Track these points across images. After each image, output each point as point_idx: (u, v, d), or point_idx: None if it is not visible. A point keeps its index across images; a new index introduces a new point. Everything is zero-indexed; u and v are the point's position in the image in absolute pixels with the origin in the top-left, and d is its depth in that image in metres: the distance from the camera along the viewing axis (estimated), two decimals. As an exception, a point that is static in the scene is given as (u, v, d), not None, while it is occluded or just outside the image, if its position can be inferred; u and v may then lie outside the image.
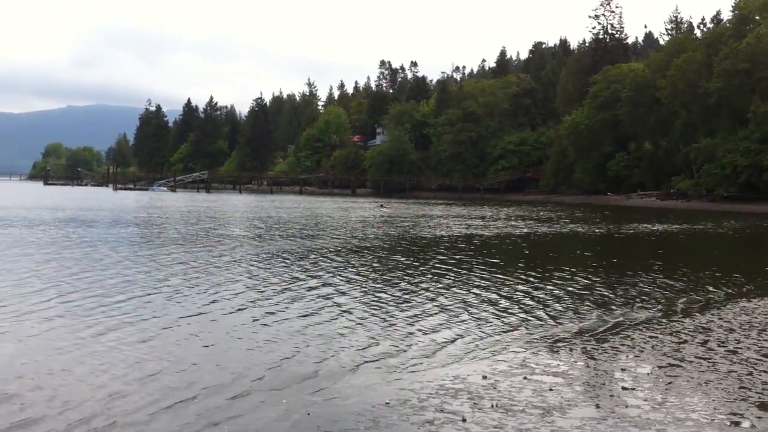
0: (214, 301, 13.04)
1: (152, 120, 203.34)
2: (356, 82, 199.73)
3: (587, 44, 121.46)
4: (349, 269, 18.40)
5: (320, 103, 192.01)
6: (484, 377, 8.25)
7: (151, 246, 23.12)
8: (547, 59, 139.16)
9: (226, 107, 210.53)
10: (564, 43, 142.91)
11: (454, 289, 15.31)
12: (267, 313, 12.13)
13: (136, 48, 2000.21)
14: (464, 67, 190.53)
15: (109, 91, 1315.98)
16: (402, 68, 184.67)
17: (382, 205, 37.03)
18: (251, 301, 13.11)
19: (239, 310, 12.30)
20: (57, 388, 7.60)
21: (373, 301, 13.72)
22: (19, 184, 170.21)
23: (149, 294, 13.54)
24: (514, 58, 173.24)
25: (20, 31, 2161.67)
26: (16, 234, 26.43)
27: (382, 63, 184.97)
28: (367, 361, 8.97)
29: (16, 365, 8.48)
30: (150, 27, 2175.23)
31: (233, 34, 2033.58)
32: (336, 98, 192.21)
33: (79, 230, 29.18)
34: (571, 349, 9.89)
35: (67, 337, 9.91)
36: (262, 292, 14.31)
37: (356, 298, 14.03)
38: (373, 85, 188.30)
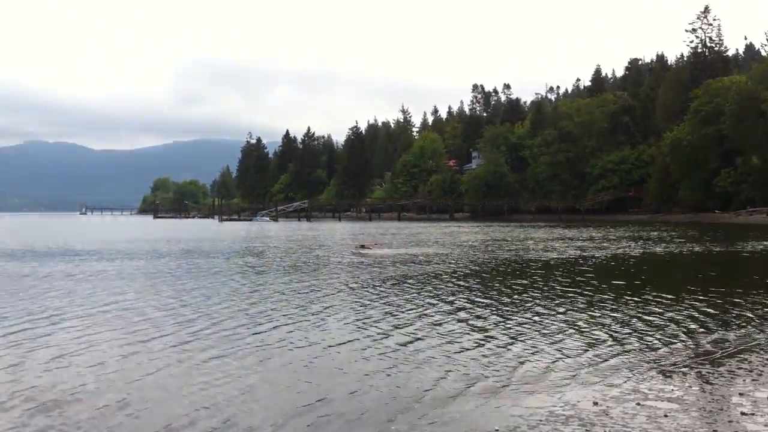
0: (323, 329, 13.29)
1: (253, 152, 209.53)
2: (450, 107, 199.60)
3: (685, 58, 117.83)
4: (458, 293, 18.41)
5: (415, 129, 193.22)
6: (595, 403, 8.09)
7: (270, 275, 23.87)
8: (644, 75, 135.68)
9: (323, 137, 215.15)
10: (661, 58, 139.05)
11: (563, 311, 15.11)
12: (375, 338, 12.29)
13: (237, 83, 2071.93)
14: (558, 87, 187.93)
15: (212, 125, 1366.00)
16: (495, 91, 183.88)
17: (362, 245, 35.21)
18: (359, 327, 13.30)
19: (347, 336, 12.50)
20: (177, 408, 7.96)
21: (479, 324, 13.68)
22: (131, 219, 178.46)
23: (270, 321, 14.00)
24: (609, 75, 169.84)
25: (128, 72, 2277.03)
26: (146, 265, 27.95)
27: (475, 87, 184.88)
28: (474, 386, 8.93)
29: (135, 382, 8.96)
30: (249, 63, 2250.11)
31: (329, 66, 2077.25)
32: (430, 124, 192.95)
33: (200, 261, 30.53)
34: (685, 374, 9.56)
35: (195, 361, 10.35)
36: (370, 317, 14.53)
37: (463, 321, 14.02)
38: (466, 109, 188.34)
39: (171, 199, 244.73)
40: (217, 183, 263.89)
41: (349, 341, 12.01)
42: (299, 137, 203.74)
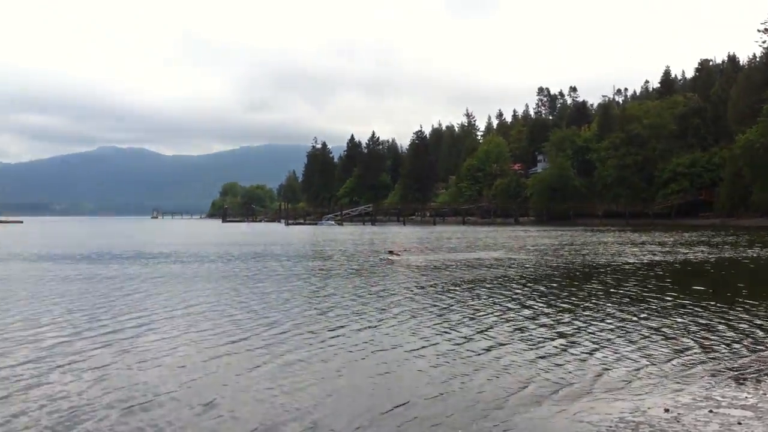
0: (402, 332, 13.51)
1: (319, 157, 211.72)
2: (515, 111, 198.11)
3: (758, 59, 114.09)
4: (535, 298, 18.54)
5: (479, 133, 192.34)
6: (666, 410, 8.11)
7: (343, 278, 24.31)
8: (715, 76, 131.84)
9: (388, 141, 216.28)
10: (732, 58, 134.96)
11: (634, 316, 15.06)
12: (455, 342, 12.44)
13: (303, 89, 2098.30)
14: (626, 90, 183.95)
15: (279, 131, 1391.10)
16: (561, 94, 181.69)
17: (391, 252, 34.00)
18: (438, 332, 13.45)
19: (426, 340, 12.65)
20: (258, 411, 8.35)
21: (559, 329, 13.76)
22: (201, 222, 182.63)
23: (350, 323, 14.29)
24: (678, 77, 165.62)
25: (199, 79, 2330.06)
26: (221, 268, 28.78)
27: (541, 90, 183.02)
28: (546, 393, 9.04)
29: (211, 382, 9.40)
30: (316, 69, 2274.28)
31: (394, 71, 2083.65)
32: (495, 127, 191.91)
33: (273, 264, 31.36)
34: (759, 380, 9.48)
35: (266, 359, 10.73)
36: (448, 321, 14.73)
37: (543, 326, 14.10)
38: (532, 112, 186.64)
39: (239, 203, 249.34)
40: (284, 187, 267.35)
41: (429, 345, 12.13)
42: (364, 142, 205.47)
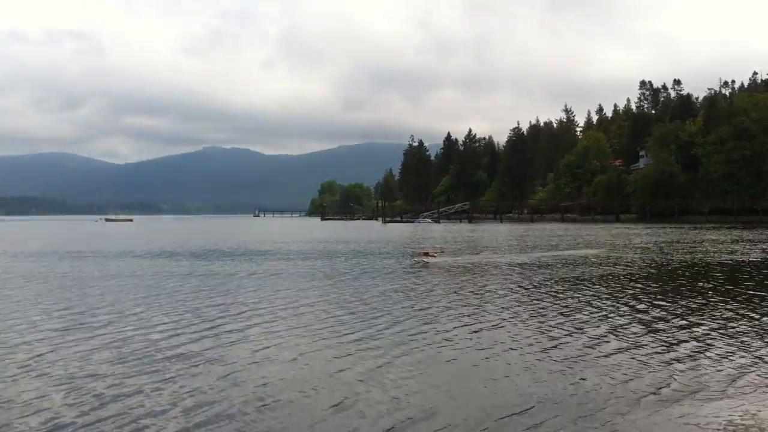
0: (501, 330, 13.70)
1: (415, 154, 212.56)
2: (615, 105, 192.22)
3: None
4: (638, 296, 18.50)
5: (578, 129, 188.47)
6: (776, 415, 7.99)
7: (441, 275, 24.58)
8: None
9: (485, 138, 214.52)
10: None
11: (743, 318, 14.79)
12: (555, 340, 12.59)
13: (400, 87, 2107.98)
14: (733, 82, 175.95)
15: (376, 129, 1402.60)
16: (664, 87, 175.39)
17: (426, 253, 31.86)
18: (538, 330, 13.58)
19: (525, 338, 12.79)
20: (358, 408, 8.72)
21: (662, 328, 13.69)
22: (301, 221, 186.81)
23: (450, 321, 14.58)
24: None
25: (297, 79, 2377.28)
26: (323, 265, 29.65)
27: (643, 83, 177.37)
28: (649, 394, 9.03)
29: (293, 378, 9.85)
30: (412, 67, 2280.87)
31: (491, 67, 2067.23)
32: (595, 123, 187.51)
33: (372, 261, 32.29)
34: None
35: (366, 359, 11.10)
36: (547, 319, 14.87)
37: (645, 325, 14.05)
38: (633, 106, 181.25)
39: (337, 201, 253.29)
40: (381, 185, 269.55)
41: (528, 345, 12.22)
42: (460, 139, 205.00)
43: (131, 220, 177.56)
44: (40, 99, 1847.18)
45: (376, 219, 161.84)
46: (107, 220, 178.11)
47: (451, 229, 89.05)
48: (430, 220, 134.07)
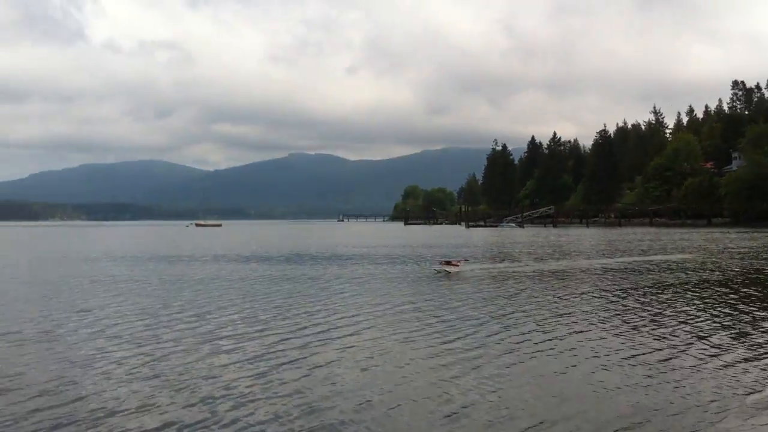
0: (584, 336, 14.03)
1: (499, 159, 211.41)
2: (706, 106, 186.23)
3: None
4: (729, 303, 18.35)
5: (668, 131, 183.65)
6: None
7: (527, 281, 25.10)
8: None
9: (570, 141, 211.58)
10: None
11: None
12: (638, 346, 12.68)
13: (483, 91, 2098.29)
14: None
15: (459, 134, 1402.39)
16: (757, 87, 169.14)
17: (449, 262, 29.54)
18: (636, 338, 13.59)
19: (607, 345, 12.92)
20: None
21: (751, 336, 13.62)
22: (384, 225, 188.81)
23: (540, 327, 15.06)
24: None
25: (381, 85, 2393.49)
26: (410, 270, 30.36)
27: (735, 83, 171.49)
28: (737, 403, 8.98)
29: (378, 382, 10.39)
30: (496, 70, 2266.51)
31: (577, 69, 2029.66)
32: (685, 124, 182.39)
33: (469, 266, 32.49)
34: None
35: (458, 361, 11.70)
36: (642, 327, 14.80)
37: (731, 331, 14.08)
38: (725, 107, 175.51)
39: (420, 206, 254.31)
40: (464, 190, 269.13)
41: (609, 353, 12.18)
42: (545, 143, 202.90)
43: (220, 225, 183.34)
44: (135, 108, 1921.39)
45: (459, 223, 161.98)
46: (197, 225, 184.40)
47: (536, 233, 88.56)
48: (513, 225, 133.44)
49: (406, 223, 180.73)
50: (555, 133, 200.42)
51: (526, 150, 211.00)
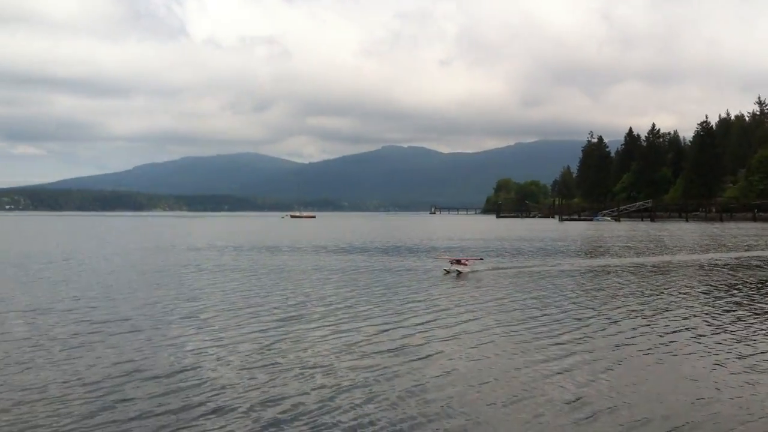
0: (692, 333, 14.39)
1: (594, 151, 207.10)
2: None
3: None
4: None
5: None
6: None
7: (627, 275, 25.63)
8: None
9: (669, 134, 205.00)
10: None
11: None
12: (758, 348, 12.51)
13: (579, 82, 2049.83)
14: None
15: (553, 126, 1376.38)
16: None
17: (459, 261, 26.62)
18: (740, 336, 13.69)
19: (707, 344, 12.97)
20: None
21: None
22: (476, 218, 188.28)
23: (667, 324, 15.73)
24: None
25: (475, 78, 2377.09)
26: (509, 264, 31.14)
27: None
28: None
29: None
30: (592, 61, 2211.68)
31: (678, 58, 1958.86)
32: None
33: (560, 259, 33.45)
34: None
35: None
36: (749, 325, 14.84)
37: None
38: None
39: (513, 199, 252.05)
40: (558, 183, 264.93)
41: (707, 353, 12.16)
42: (643, 135, 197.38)
43: (314, 217, 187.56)
44: (234, 102, 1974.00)
45: (552, 217, 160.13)
46: (292, 216, 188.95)
47: (634, 227, 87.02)
48: (609, 219, 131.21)
49: (498, 216, 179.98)
50: (654, 125, 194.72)
51: (623, 142, 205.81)
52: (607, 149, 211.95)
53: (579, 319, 15.57)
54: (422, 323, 15.07)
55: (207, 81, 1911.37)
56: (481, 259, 28.90)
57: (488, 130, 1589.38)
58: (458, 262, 26.37)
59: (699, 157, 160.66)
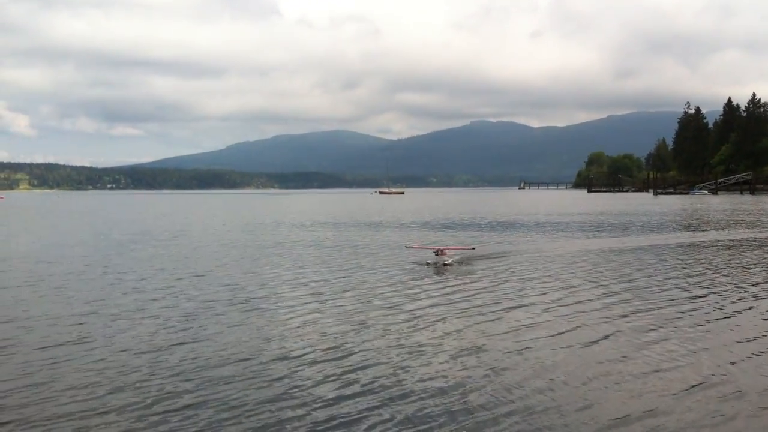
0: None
1: (691, 122, 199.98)
2: None
3: None
4: None
5: None
6: None
7: (725, 251, 25.87)
8: None
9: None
10: None
11: None
12: None
13: (676, 52, 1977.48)
14: None
15: (648, 97, 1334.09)
16: None
17: (438, 252, 22.81)
18: None
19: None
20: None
21: None
22: (567, 193, 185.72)
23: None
24: None
25: (566, 50, 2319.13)
26: (603, 244, 32.31)
27: None
28: None
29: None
30: (690, 29, 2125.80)
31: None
32: None
33: (669, 234, 33.67)
34: None
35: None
36: None
37: None
38: None
39: (605, 173, 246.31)
40: (652, 156, 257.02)
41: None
42: (743, 104, 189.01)
43: (402, 193, 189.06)
44: (324, 81, 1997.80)
45: (647, 191, 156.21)
46: (381, 192, 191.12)
47: (731, 201, 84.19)
48: (706, 192, 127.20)
49: (589, 191, 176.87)
50: (754, 94, 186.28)
51: (721, 113, 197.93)
52: (705, 120, 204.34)
53: (688, 296, 16.26)
54: (517, 297, 15.86)
55: (298, 60, 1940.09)
56: (473, 248, 24.90)
57: (580, 103, 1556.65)
58: (442, 252, 22.73)
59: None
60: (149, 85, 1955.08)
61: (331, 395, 8.63)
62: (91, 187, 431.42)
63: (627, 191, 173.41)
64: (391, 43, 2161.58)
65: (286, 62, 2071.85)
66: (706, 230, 35.88)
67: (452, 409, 8.09)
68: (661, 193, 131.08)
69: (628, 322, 12.74)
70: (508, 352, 10.54)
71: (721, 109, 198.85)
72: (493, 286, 16.89)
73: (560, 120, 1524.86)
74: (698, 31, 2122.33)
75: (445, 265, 21.38)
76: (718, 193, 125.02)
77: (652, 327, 12.33)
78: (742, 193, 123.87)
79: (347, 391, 8.77)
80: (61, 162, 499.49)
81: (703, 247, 26.59)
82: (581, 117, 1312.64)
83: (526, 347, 10.90)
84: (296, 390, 8.84)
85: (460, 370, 9.66)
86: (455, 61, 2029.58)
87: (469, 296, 15.55)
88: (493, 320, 13.01)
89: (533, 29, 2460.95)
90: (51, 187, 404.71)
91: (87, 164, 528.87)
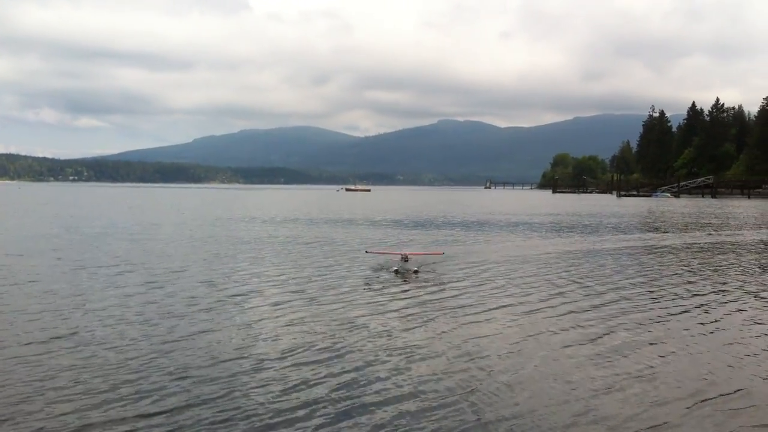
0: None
1: (655, 126, 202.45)
2: None
3: None
4: None
5: None
6: None
7: (686, 253, 25.84)
8: None
9: (734, 108, 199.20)
10: None
11: None
12: None
13: (643, 56, 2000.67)
14: None
15: (614, 100, 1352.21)
16: None
17: (405, 258, 20.55)
18: None
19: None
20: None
21: None
22: (532, 193, 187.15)
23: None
24: None
25: (533, 51, 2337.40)
26: (562, 242, 32.20)
27: None
28: None
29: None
30: (657, 33, 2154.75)
31: (747, 29, 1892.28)
32: None
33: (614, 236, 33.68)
34: None
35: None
36: None
37: None
38: None
39: (569, 174, 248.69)
40: (617, 158, 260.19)
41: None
42: (706, 109, 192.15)
43: (369, 190, 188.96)
44: (293, 76, 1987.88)
45: (610, 193, 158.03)
46: (347, 189, 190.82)
47: (692, 204, 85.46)
48: (668, 195, 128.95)
49: (554, 192, 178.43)
50: (717, 99, 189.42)
51: (685, 117, 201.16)
52: (669, 124, 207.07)
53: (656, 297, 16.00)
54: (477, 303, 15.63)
55: (267, 55, 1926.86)
56: (443, 253, 23.37)
57: (547, 105, 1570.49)
58: (407, 258, 20.67)
59: (764, 133, 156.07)
60: (116, 77, 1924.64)
61: (299, 397, 8.05)
62: (52, 178, 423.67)
63: (591, 193, 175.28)
64: (363, 40, 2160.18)
65: (255, 56, 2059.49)
66: (674, 232, 36.19)
67: (427, 415, 7.67)
68: (625, 195, 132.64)
69: (611, 324, 12.48)
70: (485, 356, 10.10)
71: (685, 113, 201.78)
72: (465, 290, 16.21)
73: (527, 121, 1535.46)
74: (665, 35, 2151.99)
75: (415, 272, 19.80)
76: (681, 196, 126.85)
77: (639, 327, 12.21)
78: (703, 197, 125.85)
79: (316, 392, 8.37)
80: (23, 153, 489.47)
81: (679, 249, 26.72)
82: (548, 118, 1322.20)
83: (508, 352, 10.47)
84: (271, 388, 8.57)
85: (431, 375, 9.13)
86: (425, 60, 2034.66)
87: (439, 300, 14.91)
88: (467, 324, 12.48)
89: (503, 29, 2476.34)
90: (12, 178, 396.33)
91: (49, 155, 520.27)
